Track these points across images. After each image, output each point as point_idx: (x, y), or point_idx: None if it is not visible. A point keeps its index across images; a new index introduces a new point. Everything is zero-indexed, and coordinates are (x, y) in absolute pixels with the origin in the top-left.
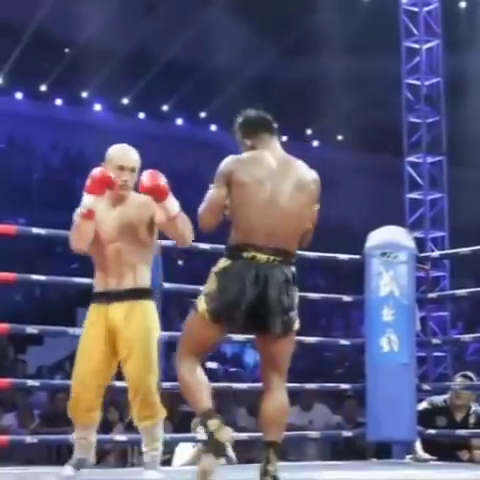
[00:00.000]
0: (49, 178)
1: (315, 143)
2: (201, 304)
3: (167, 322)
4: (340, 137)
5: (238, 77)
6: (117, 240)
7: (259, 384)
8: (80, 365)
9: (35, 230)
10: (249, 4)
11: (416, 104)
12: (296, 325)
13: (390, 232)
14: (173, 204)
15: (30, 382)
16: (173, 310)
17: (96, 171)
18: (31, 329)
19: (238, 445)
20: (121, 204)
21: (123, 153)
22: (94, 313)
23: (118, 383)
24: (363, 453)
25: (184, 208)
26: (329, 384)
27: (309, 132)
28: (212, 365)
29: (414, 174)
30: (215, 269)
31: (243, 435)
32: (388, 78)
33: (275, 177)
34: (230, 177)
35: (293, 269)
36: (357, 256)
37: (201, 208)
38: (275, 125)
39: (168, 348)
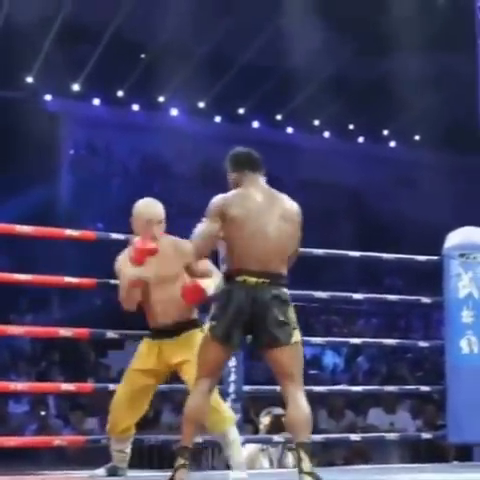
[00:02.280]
0: (127, 183)
1: (392, 144)
2: (207, 326)
3: None
4: (417, 137)
5: (314, 78)
6: (159, 287)
7: (339, 387)
8: (120, 391)
9: (114, 235)
10: (325, 4)
11: None
12: (294, 337)
13: (468, 233)
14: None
15: (112, 386)
16: None
17: (138, 243)
18: (111, 333)
19: (319, 447)
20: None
21: (149, 208)
22: (146, 347)
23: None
24: (445, 456)
25: None
26: (409, 387)
27: (386, 133)
28: None
29: None
30: (217, 294)
31: (319, 437)
32: (464, 77)
33: (262, 210)
34: (223, 212)
35: (283, 289)
36: (435, 257)
37: (195, 239)
38: (260, 163)
39: None
